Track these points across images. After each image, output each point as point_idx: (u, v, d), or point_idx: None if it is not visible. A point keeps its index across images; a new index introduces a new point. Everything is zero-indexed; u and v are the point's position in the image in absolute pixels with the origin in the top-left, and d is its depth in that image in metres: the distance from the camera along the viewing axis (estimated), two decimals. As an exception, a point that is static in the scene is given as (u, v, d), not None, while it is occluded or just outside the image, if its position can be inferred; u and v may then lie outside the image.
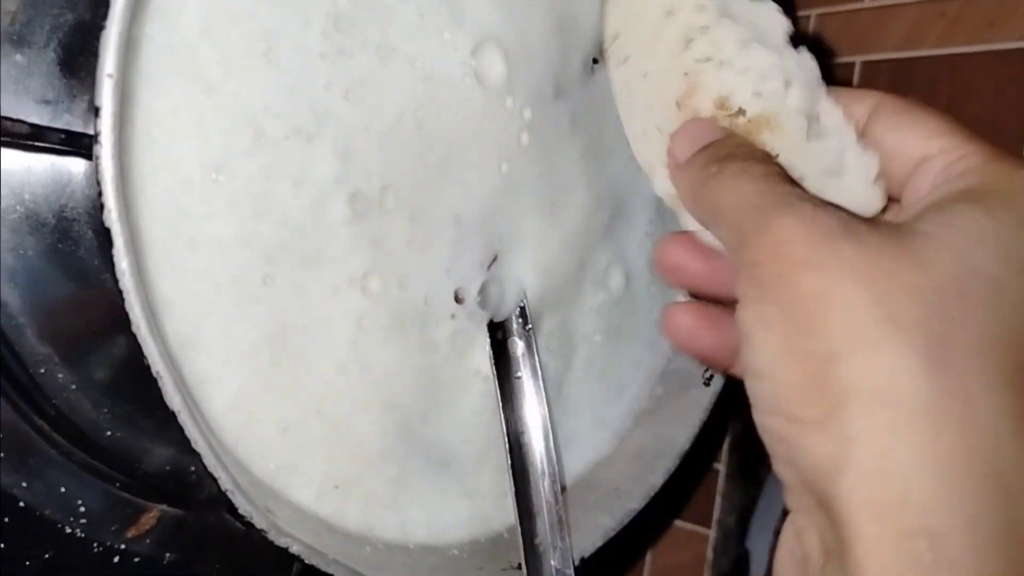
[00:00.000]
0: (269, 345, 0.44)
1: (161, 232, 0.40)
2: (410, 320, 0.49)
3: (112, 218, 0.34)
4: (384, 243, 0.46)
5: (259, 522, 0.40)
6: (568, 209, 0.55)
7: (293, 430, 0.45)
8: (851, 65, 0.83)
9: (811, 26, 0.86)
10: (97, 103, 0.34)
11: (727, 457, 0.88)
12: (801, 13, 0.86)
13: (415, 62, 0.46)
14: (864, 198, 0.39)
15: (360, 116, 0.45)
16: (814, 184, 0.39)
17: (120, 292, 0.35)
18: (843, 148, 0.39)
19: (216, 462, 0.38)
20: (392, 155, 0.46)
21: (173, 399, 0.36)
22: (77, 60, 0.54)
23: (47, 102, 0.53)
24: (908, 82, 0.79)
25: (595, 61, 0.55)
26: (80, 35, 0.54)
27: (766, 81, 0.40)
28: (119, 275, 0.35)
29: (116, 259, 0.34)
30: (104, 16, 0.52)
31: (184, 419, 0.36)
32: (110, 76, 0.33)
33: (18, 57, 0.52)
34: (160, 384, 0.36)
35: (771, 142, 0.40)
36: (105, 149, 0.34)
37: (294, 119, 0.43)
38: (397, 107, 0.46)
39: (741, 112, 0.41)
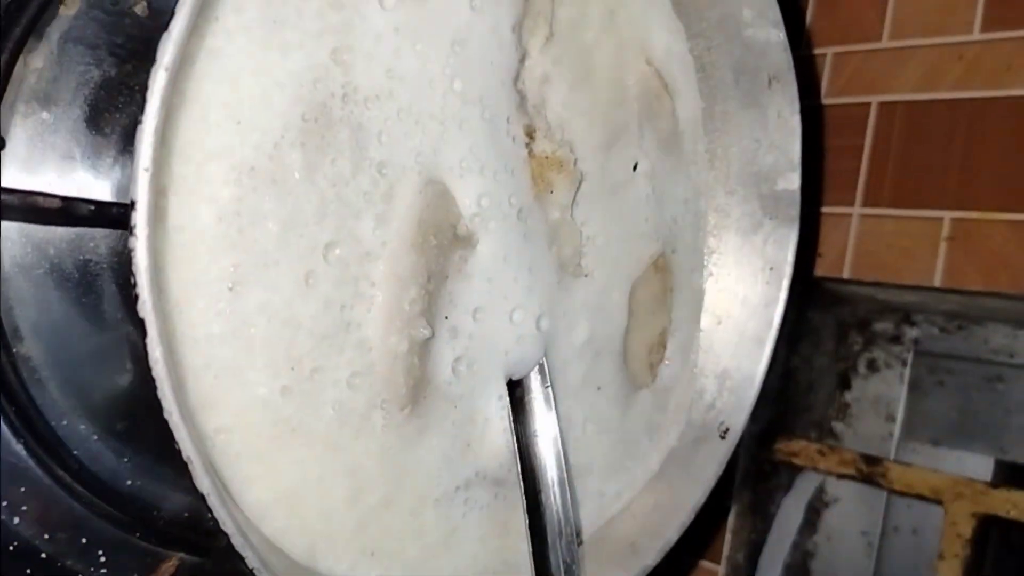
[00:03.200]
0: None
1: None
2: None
3: (147, 309, 0.34)
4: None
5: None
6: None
7: (336, 518, 0.46)
8: (867, 105, 0.83)
9: (827, 65, 0.85)
10: (132, 196, 0.34)
11: (737, 494, 0.88)
12: (817, 51, 0.86)
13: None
14: None
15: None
16: None
17: (153, 379, 0.35)
18: None
19: (244, 542, 0.38)
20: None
21: (202, 482, 0.37)
22: (103, 116, 0.55)
23: (72, 158, 0.54)
24: (924, 126, 0.79)
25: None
26: (106, 92, 0.54)
27: None
28: (152, 363, 0.35)
29: (150, 348, 0.35)
30: (133, 75, 0.53)
31: (213, 502, 0.37)
32: (146, 170, 0.34)
33: (44, 115, 0.53)
34: (190, 468, 0.36)
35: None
36: (140, 242, 0.34)
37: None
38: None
39: None
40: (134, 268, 0.34)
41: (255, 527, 0.42)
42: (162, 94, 0.34)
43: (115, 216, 0.43)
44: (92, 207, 0.42)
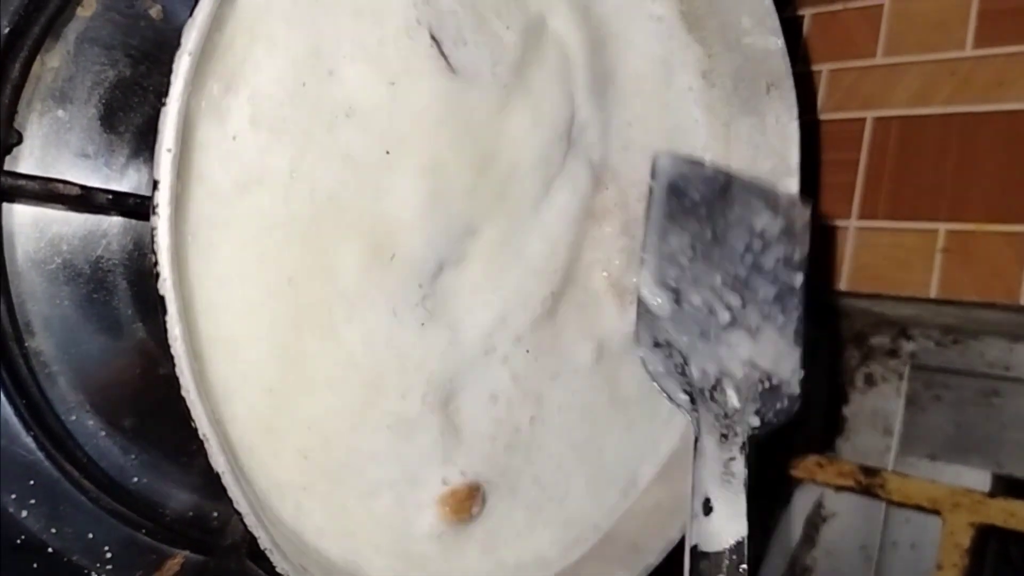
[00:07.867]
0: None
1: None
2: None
3: (167, 287, 0.35)
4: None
5: (295, 579, 0.40)
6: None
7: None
8: (862, 120, 0.85)
9: (822, 81, 0.87)
10: (156, 176, 0.35)
11: (736, 506, 0.88)
12: (814, 67, 0.87)
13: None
14: None
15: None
16: None
17: (172, 357, 0.36)
18: None
19: (257, 522, 0.38)
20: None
21: (218, 460, 0.37)
22: (117, 116, 0.56)
23: (86, 156, 0.55)
24: (918, 140, 0.80)
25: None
26: (120, 92, 0.56)
27: None
28: (171, 341, 0.36)
29: (169, 326, 0.35)
30: (147, 76, 0.55)
31: (227, 480, 0.37)
32: (169, 151, 0.35)
33: (60, 112, 0.54)
34: (206, 446, 0.37)
35: None
36: (162, 221, 0.35)
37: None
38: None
39: None
40: (155, 247, 0.35)
41: (267, 508, 0.43)
42: (186, 77, 0.35)
43: (132, 206, 0.44)
44: (110, 196, 0.43)
